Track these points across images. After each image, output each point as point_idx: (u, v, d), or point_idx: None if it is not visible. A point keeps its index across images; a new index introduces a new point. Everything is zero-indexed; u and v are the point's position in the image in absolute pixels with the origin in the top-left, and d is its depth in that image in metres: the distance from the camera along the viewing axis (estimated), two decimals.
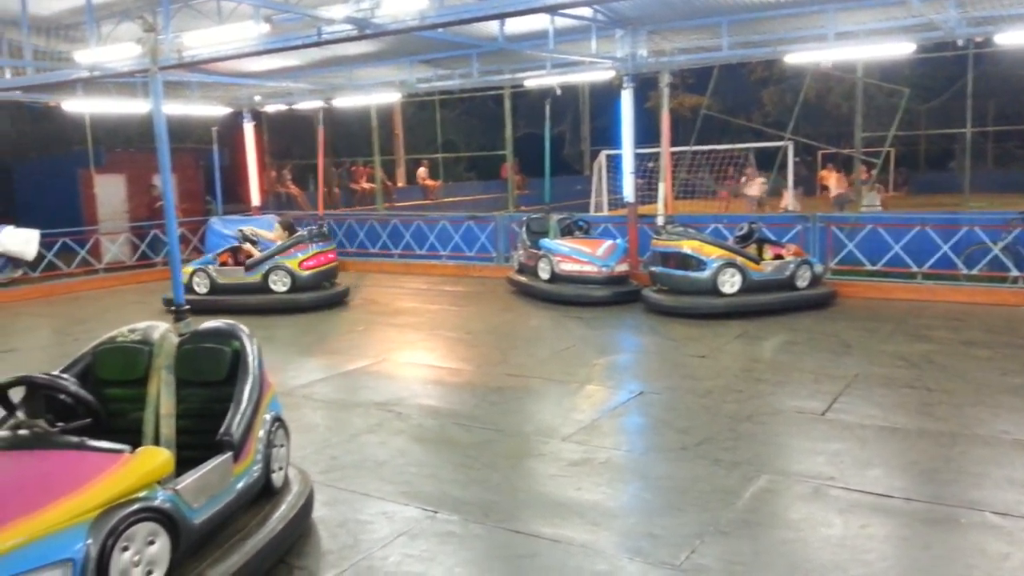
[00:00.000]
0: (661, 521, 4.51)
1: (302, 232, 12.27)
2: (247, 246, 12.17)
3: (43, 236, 13.71)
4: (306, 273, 11.71)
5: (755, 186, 19.82)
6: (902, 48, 10.75)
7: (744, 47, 11.70)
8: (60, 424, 3.61)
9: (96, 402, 3.87)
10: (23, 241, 13.38)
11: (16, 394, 3.72)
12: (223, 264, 11.97)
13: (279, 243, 12.10)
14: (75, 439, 3.50)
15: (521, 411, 6.73)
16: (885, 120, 21.61)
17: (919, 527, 4.38)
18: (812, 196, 24.81)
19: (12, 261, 13.35)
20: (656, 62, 12.32)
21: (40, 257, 13.85)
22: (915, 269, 11.21)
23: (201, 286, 11.74)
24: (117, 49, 10.52)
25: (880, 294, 11.09)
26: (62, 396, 3.66)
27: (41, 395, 3.60)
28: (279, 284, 11.62)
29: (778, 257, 10.64)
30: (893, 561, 4.04)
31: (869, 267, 11.56)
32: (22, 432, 3.50)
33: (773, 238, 11.14)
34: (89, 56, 10.73)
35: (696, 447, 5.63)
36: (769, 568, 3.97)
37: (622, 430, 6.25)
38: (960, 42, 10.91)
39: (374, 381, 7.68)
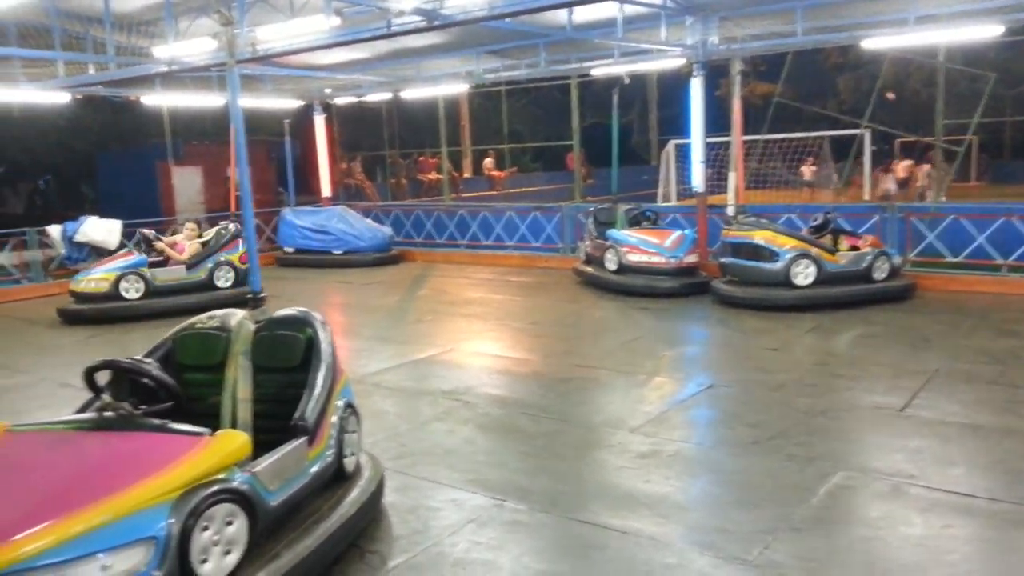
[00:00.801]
0: (732, 516, 4.43)
1: (223, 227, 11.89)
2: (160, 246, 11.61)
3: (124, 226, 14.26)
4: (245, 267, 11.27)
5: (809, 172, 19.39)
6: (989, 31, 10.28)
7: (819, 32, 11.36)
8: (143, 407, 3.73)
9: (177, 386, 3.98)
10: (106, 231, 13.93)
11: (102, 377, 3.86)
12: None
13: (212, 238, 11.77)
14: (158, 422, 3.61)
15: (588, 402, 6.70)
16: (968, 107, 20.76)
17: (1005, 529, 4.21)
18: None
19: (95, 250, 13.90)
20: (727, 49, 12.07)
21: (121, 246, 14.39)
22: (1000, 261, 10.75)
23: (132, 291, 11.01)
24: (194, 44, 10.82)
25: (962, 287, 10.66)
26: (145, 380, 3.78)
27: (126, 379, 3.72)
28: (223, 280, 11.54)
29: (854, 248, 10.32)
30: (977, 563, 3.90)
31: (950, 259, 11.14)
32: (108, 414, 3.63)
33: (849, 229, 10.82)
34: (167, 51, 11.05)
35: (768, 441, 5.51)
36: (845, 566, 3.87)
37: (691, 423, 6.17)
38: None
39: (442, 370, 7.74)
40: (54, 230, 13.72)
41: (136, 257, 11.25)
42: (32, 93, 13.28)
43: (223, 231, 11.89)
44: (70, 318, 10.94)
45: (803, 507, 4.50)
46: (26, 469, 3.34)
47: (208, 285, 11.49)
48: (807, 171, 20.06)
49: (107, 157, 22.03)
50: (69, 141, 21.54)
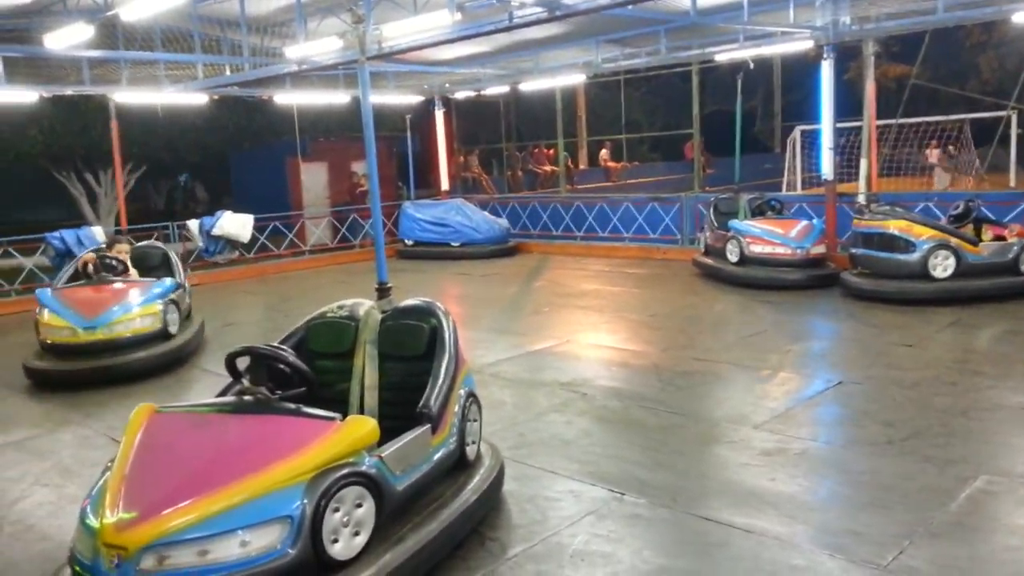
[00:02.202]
0: (864, 518, 4.24)
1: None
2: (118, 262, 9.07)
3: (256, 220, 15.00)
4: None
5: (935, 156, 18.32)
6: None
7: (963, 8, 10.65)
8: (278, 392, 3.91)
9: (311, 372, 4.15)
10: (240, 225, 14.71)
11: (241, 364, 4.07)
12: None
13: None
14: (292, 406, 3.78)
15: (709, 396, 6.56)
16: None
17: None
18: None
19: (230, 243, 14.69)
20: (860, 30, 11.51)
21: (254, 239, 15.16)
22: None
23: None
24: (322, 43, 11.21)
25: None
26: (282, 366, 3.96)
27: (264, 364, 3.90)
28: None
29: (999, 238, 9.67)
30: None
31: None
32: (247, 398, 3.83)
33: (993, 218, 10.14)
34: (298, 51, 11.50)
35: (903, 442, 5.25)
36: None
37: (819, 420, 5.94)
38: None
39: (559, 361, 7.76)
40: (193, 224, 14.60)
41: (169, 282, 8.79)
42: (175, 95, 14.11)
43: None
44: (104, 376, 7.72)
45: (941, 512, 4.26)
46: (172, 449, 3.57)
47: None
48: (933, 154, 18.96)
49: (240, 154, 23.18)
50: (206, 140, 22.80)
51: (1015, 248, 9.47)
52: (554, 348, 8.28)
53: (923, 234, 9.43)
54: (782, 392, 6.50)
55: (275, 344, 4.20)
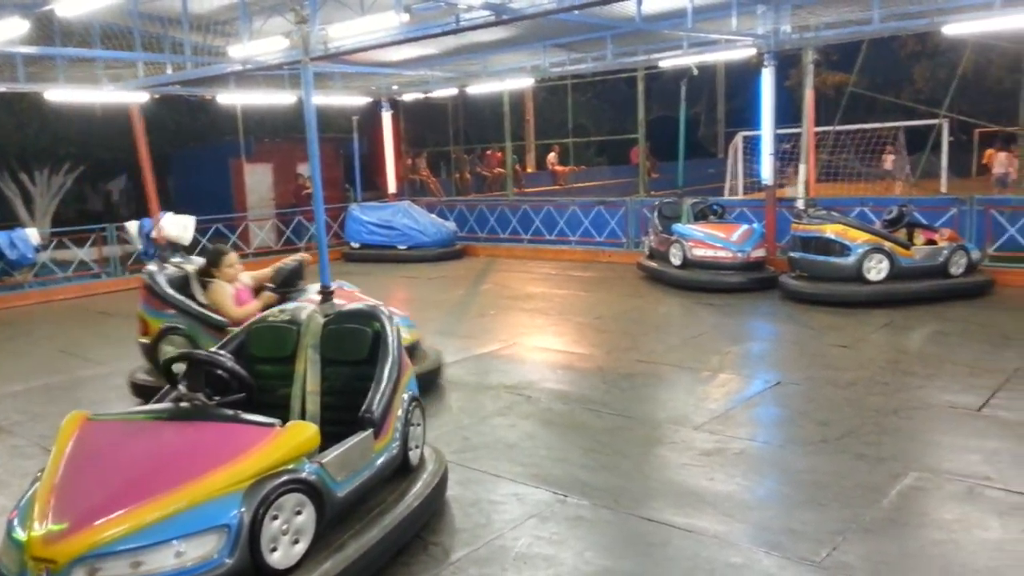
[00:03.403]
0: (800, 516, 4.35)
1: None
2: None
3: (198, 222, 14.70)
4: None
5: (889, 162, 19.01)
6: None
7: (898, 19, 11.00)
8: (217, 398, 3.84)
9: (250, 377, 4.09)
10: (181, 227, 14.35)
11: (178, 369, 4.00)
12: None
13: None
14: (231, 412, 3.72)
15: (652, 398, 6.65)
16: None
17: None
18: (967, 178, 23.20)
19: (171, 246, 14.37)
20: (800, 38, 11.80)
21: (195, 242, 14.85)
22: None
23: None
24: (267, 43, 11.07)
25: None
26: (220, 371, 3.90)
27: (201, 370, 3.84)
28: None
29: (931, 242, 10.00)
30: None
31: None
32: (184, 404, 3.76)
33: (925, 222, 10.48)
34: (242, 50, 11.33)
35: (838, 441, 5.39)
36: (917, 570, 3.76)
37: (758, 421, 6.07)
38: None
39: (505, 364, 7.78)
40: (131, 226, 14.25)
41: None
42: (114, 93, 13.78)
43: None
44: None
45: (873, 508, 4.39)
46: (105, 457, 3.48)
47: None
48: (888, 160, 19.63)
49: (182, 155, 22.71)
50: (147, 140, 22.25)
51: (945, 252, 9.81)
52: (500, 351, 8.30)
53: (858, 238, 9.71)
54: (722, 393, 6.62)
55: (213, 349, 4.14)
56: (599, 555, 4.05)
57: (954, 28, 10.68)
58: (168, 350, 6.37)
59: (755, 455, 5.29)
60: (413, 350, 6.61)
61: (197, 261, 7.07)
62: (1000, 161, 19.94)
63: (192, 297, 6.68)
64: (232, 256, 6.60)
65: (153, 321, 6.71)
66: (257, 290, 6.69)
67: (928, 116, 19.94)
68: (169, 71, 12.87)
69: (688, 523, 4.30)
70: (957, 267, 9.82)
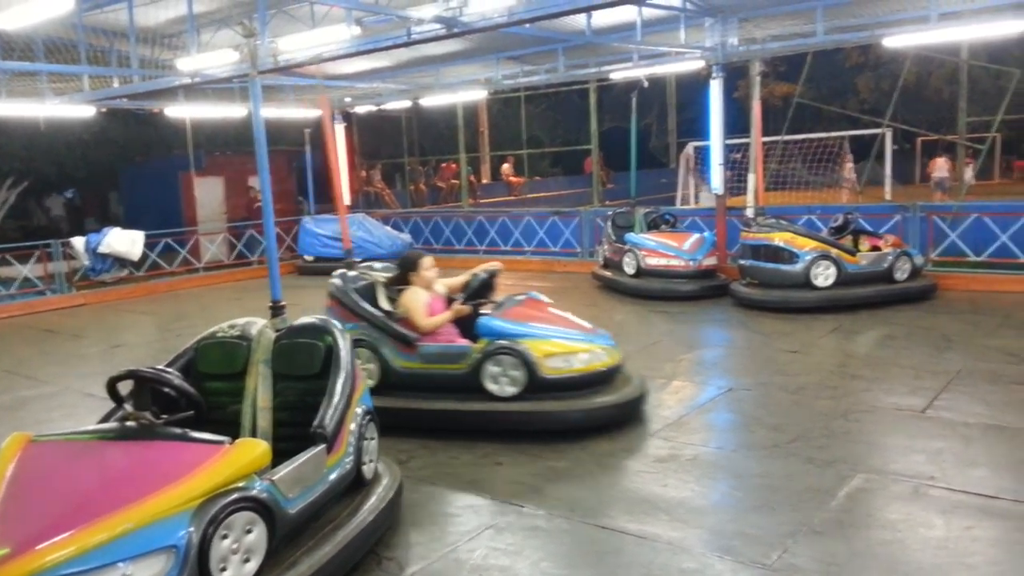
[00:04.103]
0: (752, 520, 4.42)
1: None
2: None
3: (147, 237, 14.47)
4: None
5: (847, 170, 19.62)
6: (1012, 27, 10.16)
7: (840, 32, 11.30)
8: (164, 416, 3.78)
9: (198, 395, 4.03)
10: (129, 242, 14.17)
11: (124, 387, 3.93)
12: None
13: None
14: (178, 430, 3.66)
15: None
16: (991, 104, 20.55)
17: None
18: (911, 184, 23.84)
19: (118, 261, 14.12)
20: (747, 50, 12.04)
21: (144, 257, 14.62)
22: (1023, 259, 10.63)
23: None
24: (216, 56, 10.96)
25: (985, 286, 10.55)
26: (167, 389, 3.84)
27: (147, 388, 3.77)
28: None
29: (875, 249, 10.26)
30: (1002, 566, 3.85)
31: (973, 258, 11.03)
32: (130, 423, 3.69)
33: (870, 229, 10.74)
34: (190, 63, 11.21)
35: (788, 445, 5.48)
36: (865, 570, 3.84)
37: (710, 426, 6.14)
38: None
39: None
40: (78, 242, 13.96)
41: None
42: (58, 107, 13.50)
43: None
44: None
45: (823, 510, 4.47)
46: (49, 479, 3.40)
47: None
48: (847, 167, 20.21)
49: (131, 169, 22.33)
50: (94, 154, 21.86)
51: (890, 258, 10.06)
52: None
53: (805, 245, 9.91)
54: (676, 400, 6.69)
55: (160, 366, 4.07)
56: (555, 565, 4.06)
57: (894, 41, 11.00)
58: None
59: (708, 461, 5.35)
60: (614, 374, 6.13)
61: (379, 267, 6.67)
62: (939, 167, 20.69)
63: (377, 306, 6.23)
64: (429, 259, 6.14)
65: None
66: (448, 301, 6.23)
67: (872, 125, 20.47)
68: (116, 84, 12.67)
69: (642, 530, 4.33)
70: (901, 272, 10.08)
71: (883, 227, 11.33)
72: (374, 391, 5.80)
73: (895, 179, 20.85)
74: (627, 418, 5.97)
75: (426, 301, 6.01)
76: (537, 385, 5.73)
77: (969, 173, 20.38)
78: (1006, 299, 9.93)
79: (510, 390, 5.77)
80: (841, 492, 4.69)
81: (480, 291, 6.26)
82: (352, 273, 6.51)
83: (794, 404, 6.36)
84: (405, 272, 6.12)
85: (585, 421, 5.78)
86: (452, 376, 5.90)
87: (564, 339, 5.95)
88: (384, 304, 6.18)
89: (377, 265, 6.71)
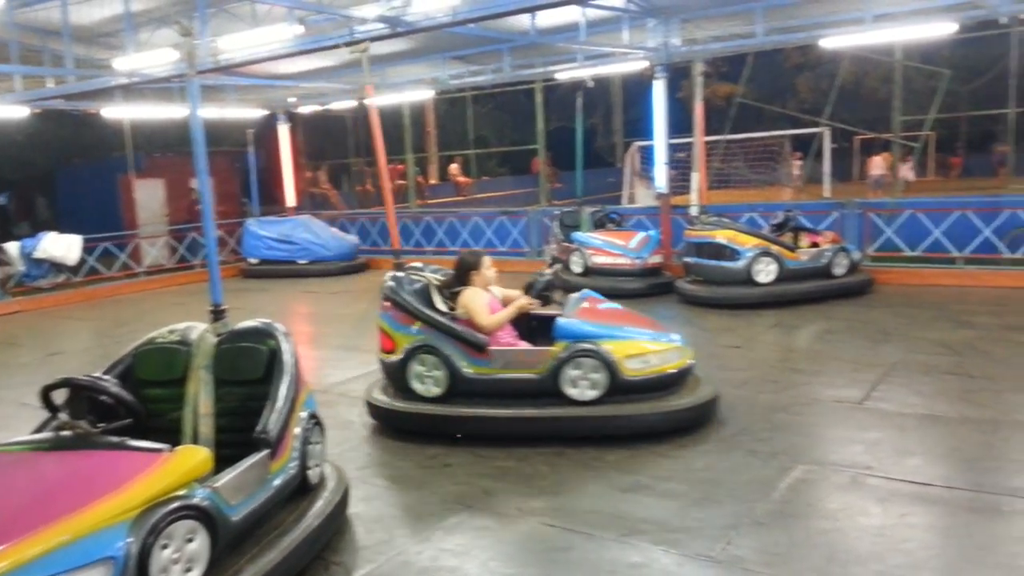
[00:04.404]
0: (696, 513, 4.49)
1: None
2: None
3: (84, 241, 14.09)
4: None
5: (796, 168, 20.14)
6: (943, 29, 10.51)
7: (779, 33, 11.54)
8: (101, 424, 3.69)
9: (136, 402, 3.95)
10: (65, 247, 13.77)
11: (60, 396, 3.82)
12: None
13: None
14: (116, 439, 3.58)
15: None
16: (924, 103, 21.20)
17: (961, 515, 4.32)
18: (849, 182, 24.45)
19: (55, 266, 13.72)
20: (689, 51, 12.22)
21: (82, 262, 14.23)
22: (956, 254, 11.00)
23: None
24: (155, 55, 10.73)
25: (919, 280, 10.89)
26: (103, 397, 3.75)
27: (83, 396, 3.68)
28: None
29: (814, 245, 10.50)
30: (936, 550, 3.98)
31: (908, 253, 11.37)
32: (65, 433, 3.59)
33: (809, 226, 10.99)
34: (127, 63, 10.95)
35: (732, 438, 5.58)
36: (806, 558, 3.93)
37: None
38: (1003, 20, 10.66)
39: None
40: (12, 247, 13.53)
41: None
42: None
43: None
44: None
45: (765, 501, 4.57)
46: None
47: None
48: (796, 165, 20.76)
49: (68, 172, 21.72)
50: (28, 156, 21.22)
51: (828, 254, 10.31)
52: None
53: (747, 243, 10.10)
54: None
55: (96, 374, 3.98)
56: (504, 564, 4.07)
57: (830, 42, 11.28)
58: (419, 370, 5.79)
59: (654, 456, 5.41)
60: (687, 374, 5.98)
61: (431, 268, 6.38)
62: (876, 164, 21.34)
63: (433, 308, 5.92)
64: (489, 259, 5.98)
65: (401, 337, 5.89)
66: (503, 305, 5.96)
67: (811, 125, 20.95)
68: (50, 84, 12.31)
69: (590, 526, 4.37)
70: (839, 268, 10.34)
71: (822, 224, 11.61)
72: (435, 400, 5.73)
73: (834, 177, 21.38)
74: (704, 420, 5.81)
75: (487, 300, 5.82)
76: (617, 387, 5.58)
77: (907, 171, 21.10)
78: (939, 293, 10.25)
79: (591, 394, 5.59)
80: (783, 484, 4.79)
81: (541, 295, 6.04)
82: (401, 275, 6.18)
83: (738, 398, 6.48)
84: (467, 271, 5.92)
85: (665, 424, 5.62)
86: (527, 381, 5.67)
87: (642, 339, 5.80)
88: (441, 307, 5.91)
89: (418, 264, 6.49)
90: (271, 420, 4.02)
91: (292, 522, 3.99)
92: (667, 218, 12.61)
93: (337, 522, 4.36)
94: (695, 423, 5.75)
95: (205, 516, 3.37)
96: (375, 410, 6.07)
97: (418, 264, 6.49)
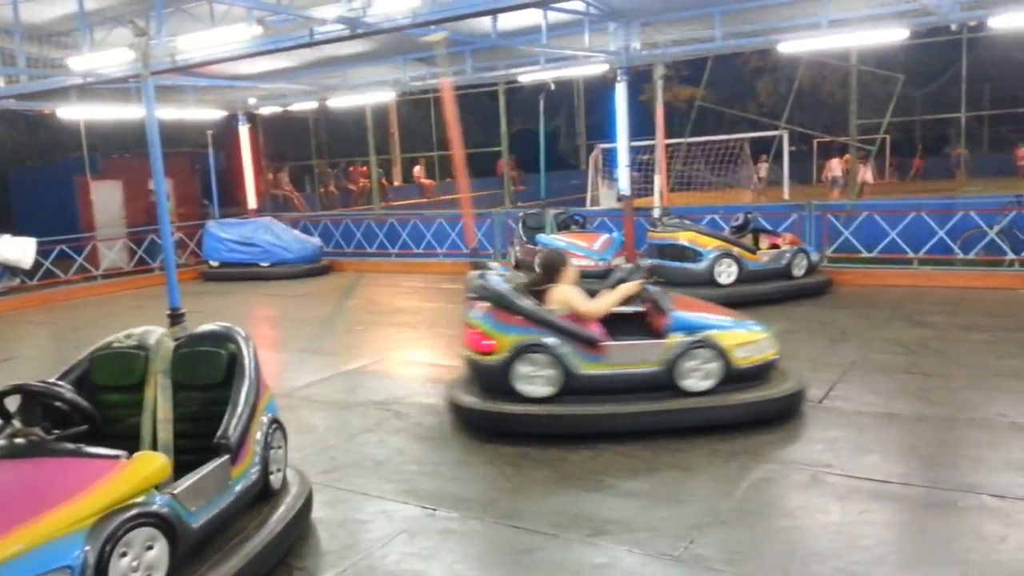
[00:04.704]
0: (660, 513, 4.52)
1: None
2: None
3: (40, 244, 13.80)
4: None
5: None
6: (896, 34, 10.74)
7: (737, 37, 11.69)
8: (57, 431, 3.62)
9: (92, 408, 3.88)
10: (20, 250, 13.47)
11: (12, 402, 3.74)
12: None
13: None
14: (71, 446, 3.51)
15: None
16: (880, 107, 21.61)
17: (917, 512, 4.40)
18: (808, 184, 24.83)
19: (9, 270, 13.41)
20: (649, 55, 12.32)
21: (37, 265, 13.93)
22: (911, 255, 11.23)
23: None
24: (111, 55, 10.54)
25: (876, 281, 11.11)
26: (58, 403, 3.67)
27: (37, 403, 3.60)
28: None
29: (774, 247, 10.65)
30: (892, 546, 4.06)
31: (865, 254, 11.58)
32: (19, 440, 3.51)
33: (769, 228, 11.14)
34: (82, 63, 10.74)
35: (694, 438, 5.62)
36: (767, 556, 3.99)
37: None
38: (954, 27, 10.91)
39: (373, 380, 7.69)
40: None
41: None
42: None
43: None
44: None
45: (727, 500, 4.62)
46: None
47: None
48: (762, 168, 21.11)
49: (21, 173, 21.23)
50: None
51: (788, 255, 10.47)
52: (368, 367, 8.20)
53: (708, 244, 10.21)
54: None
55: (51, 380, 3.89)
56: (469, 567, 4.07)
57: (788, 46, 11.45)
58: (526, 370, 5.67)
59: (618, 457, 5.44)
60: (769, 368, 6.03)
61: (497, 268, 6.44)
62: (833, 166, 21.81)
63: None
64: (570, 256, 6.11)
65: (505, 337, 5.74)
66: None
67: (771, 128, 21.24)
68: (1, 84, 12.03)
69: (555, 528, 4.38)
70: (799, 269, 10.50)
71: (781, 226, 11.78)
72: (545, 401, 5.63)
73: (793, 179, 21.71)
74: (799, 406, 6.02)
75: (581, 292, 5.85)
76: (730, 376, 5.71)
77: (867, 173, 21.57)
78: (896, 293, 10.46)
79: (704, 384, 5.69)
80: (744, 483, 4.85)
81: (618, 283, 6.19)
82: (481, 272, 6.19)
83: None
84: (556, 269, 5.97)
85: (773, 409, 5.78)
86: (643, 375, 5.71)
87: (743, 329, 5.96)
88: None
89: (494, 264, 6.56)
90: (231, 425, 3.97)
91: (254, 528, 3.95)
92: (630, 220, 12.69)
93: (300, 527, 4.33)
94: (794, 408, 5.96)
95: (164, 523, 3.32)
96: (469, 413, 5.93)
97: (494, 264, 6.55)
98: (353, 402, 7.00)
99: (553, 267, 5.99)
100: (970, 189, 17.85)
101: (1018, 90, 26.93)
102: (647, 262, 6.42)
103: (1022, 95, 27.43)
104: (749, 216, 10.91)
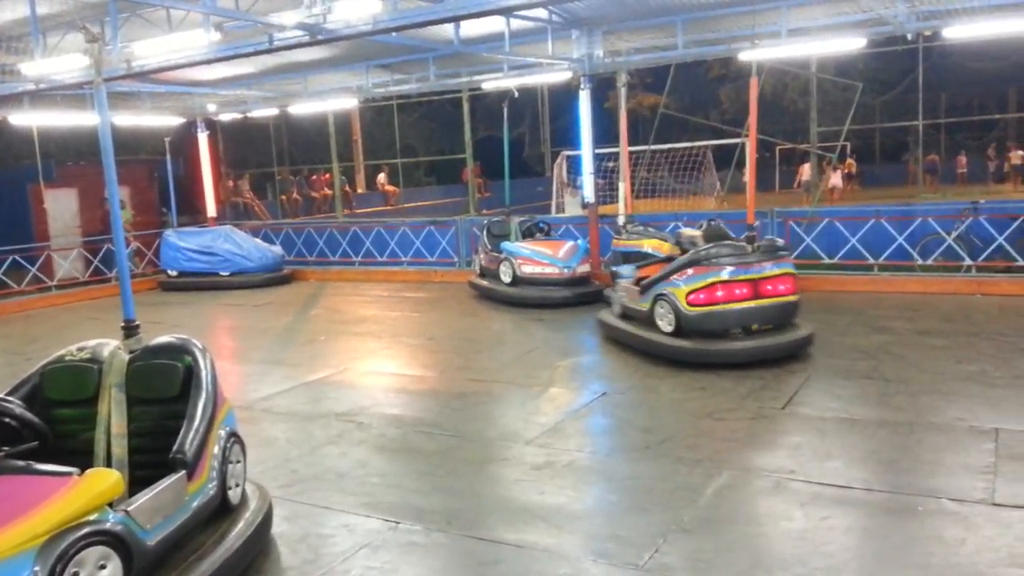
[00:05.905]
0: (625, 522, 4.51)
1: None
2: None
3: None
4: None
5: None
6: (853, 43, 10.92)
7: (698, 45, 11.80)
8: (6, 448, 3.50)
9: (43, 424, 3.77)
10: None
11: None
12: None
13: None
14: (21, 463, 3.42)
15: (484, 416, 6.69)
16: (840, 115, 22.00)
17: (879, 517, 4.43)
18: (771, 191, 25.17)
19: None
20: (612, 62, 12.38)
21: None
22: (871, 261, 11.39)
23: None
24: (64, 60, 10.31)
25: (837, 287, 11.24)
26: (7, 419, 3.56)
27: None
28: None
29: None
30: (854, 552, 4.08)
31: (826, 260, 11.72)
32: None
33: (732, 235, 11.20)
34: (35, 68, 10.50)
35: (659, 446, 5.64)
36: (731, 564, 3.98)
37: (586, 432, 6.25)
38: (910, 36, 11.12)
39: (335, 391, 7.59)
40: None
41: None
42: None
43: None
44: None
45: (691, 508, 4.62)
46: None
47: None
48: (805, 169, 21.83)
49: None
50: None
51: None
52: (330, 378, 8.09)
53: (673, 251, 10.22)
54: (552, 407, 6.76)
55: (1, 395, 3.77)
56: None
57: (748, 55, 11.55)
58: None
59: (583, 466, 5.43)
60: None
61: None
62: (805, 171, 22.39)
63: None
64: None
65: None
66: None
67: (733, 135, 21.47)
68: None
69: (520, 539, 4.34)
70: None
71: (743, 233, 11.84)
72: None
73: (756, 185, 21.96)
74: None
75: None
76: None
77: (837, 178, 22.21)
78: (856, 298, 10.59)
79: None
80: (708, 490, 4.85)
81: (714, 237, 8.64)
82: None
83: (664, 406, 6.57)
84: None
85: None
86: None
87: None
88: None
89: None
90: (188, 439, 3.88)
91: (212, 545, 3.86)
92: (595, 227, 12.72)
93: (260, 543, 4.24)
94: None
95: (118, 541, 3.23)
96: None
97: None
98: (315, 414, 6.90)
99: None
100: (928, 196, 18.19)
101: (973, 97, 27.59)
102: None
103: (977, 103, 28.14)
104: (712, 223, 10.96)
